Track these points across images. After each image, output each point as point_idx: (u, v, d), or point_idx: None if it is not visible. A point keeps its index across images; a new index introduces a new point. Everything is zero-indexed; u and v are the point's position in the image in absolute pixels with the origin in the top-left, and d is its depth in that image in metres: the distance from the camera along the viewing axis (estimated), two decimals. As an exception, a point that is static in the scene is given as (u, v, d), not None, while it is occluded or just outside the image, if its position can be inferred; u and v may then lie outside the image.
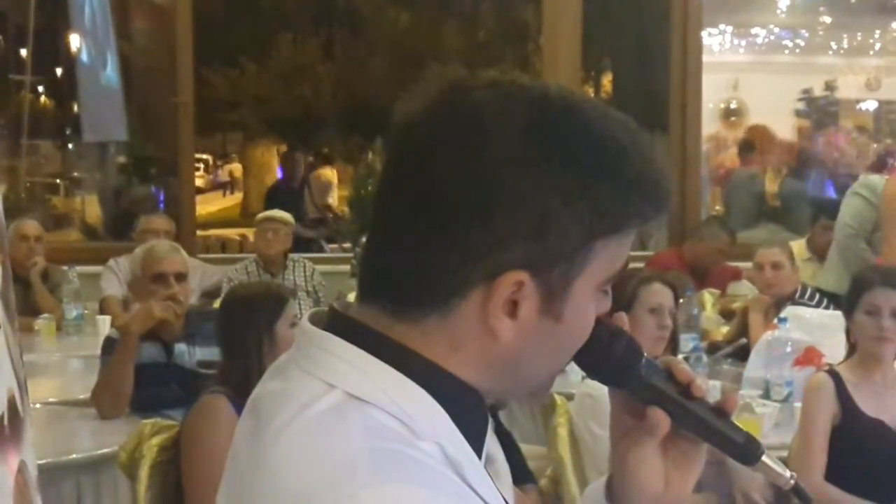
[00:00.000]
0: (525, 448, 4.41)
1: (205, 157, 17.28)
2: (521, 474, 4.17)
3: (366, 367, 1.06)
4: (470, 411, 1.09)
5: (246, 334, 3.33)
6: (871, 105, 12.67)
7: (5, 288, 2.26)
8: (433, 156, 1.06)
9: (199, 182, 15.57)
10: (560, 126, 1.06)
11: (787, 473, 1.20)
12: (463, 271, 1.04)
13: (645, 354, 1.18)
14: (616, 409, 1.23)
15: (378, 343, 1.07)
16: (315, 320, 1.12)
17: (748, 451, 1.19)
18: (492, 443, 1.18)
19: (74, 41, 9.16)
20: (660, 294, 3.90)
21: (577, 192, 1.04)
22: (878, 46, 12.61)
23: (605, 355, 1.15)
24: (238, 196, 16.71)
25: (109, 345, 4.36)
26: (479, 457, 1.11)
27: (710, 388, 4.51)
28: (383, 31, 11.99)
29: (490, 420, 1.16)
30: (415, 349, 1.07)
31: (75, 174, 12.07)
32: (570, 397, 4.07)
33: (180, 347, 4.37)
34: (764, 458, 1.19)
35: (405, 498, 0.96)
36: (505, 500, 1.14)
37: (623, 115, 1.11)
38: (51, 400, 4.68)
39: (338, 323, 1.10)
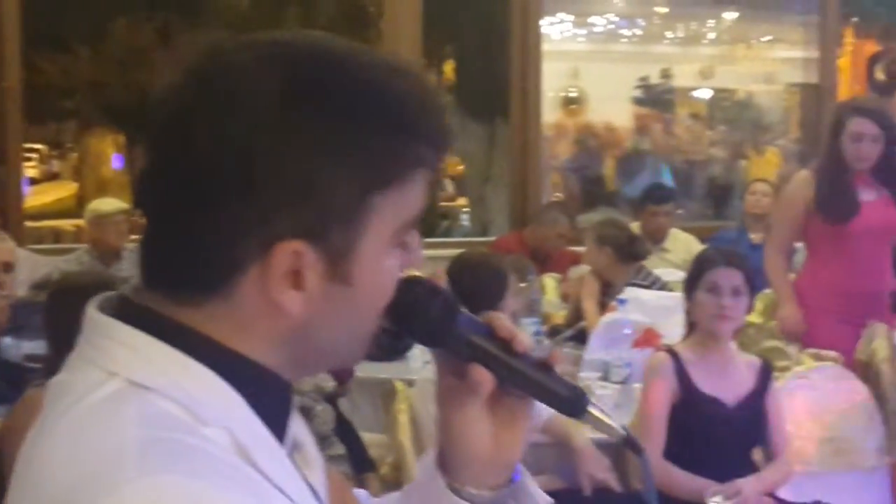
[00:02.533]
0: (366, 436, 4.38)
1: (38, 147, 16.73)
2: (362, 463, 4.14)
3: (150, 353, 0.99)
4: (267, 394, 1.04)
5: (73, 325, 3.20)
6: (705, 93, 12.96)
7: None
8: (187, 129, 0.99)
9: (32, 173, 15.11)
10: (321, 81, 1.00)
11: (617, 425, 1.18)
12: (234, 248, 0.99)
13: (464, 310, 1.14)
14: (440, 370, 1.18)
15: (164, 327, 1.00)
16: (104, 306, 1.05)
17: (574, 403, 1.16)
18: (299, 428, 1.13)
19: None
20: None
21: (341, 149, 0.99)
22: (712, 36, 12.90)
23: (421, 313, 1.11)
24: (73, 186, 16.26)
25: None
26: (283, 440, 1.06)
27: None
28: (222, 16, 11.78)
29: (293, 403, 1.11)
30: (202, 332, 1.01)
31: None
32: (410, 383, 4.05)
33: (6, 341, 4.24)
34: (591, 409, 1.16)
35: (172, 490, 0.90)
36: (311, 486, 1.09)
37: (399, 58, 1.06)
38: None
39: (124, 309, 1.03)
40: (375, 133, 1.00)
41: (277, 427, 1.04)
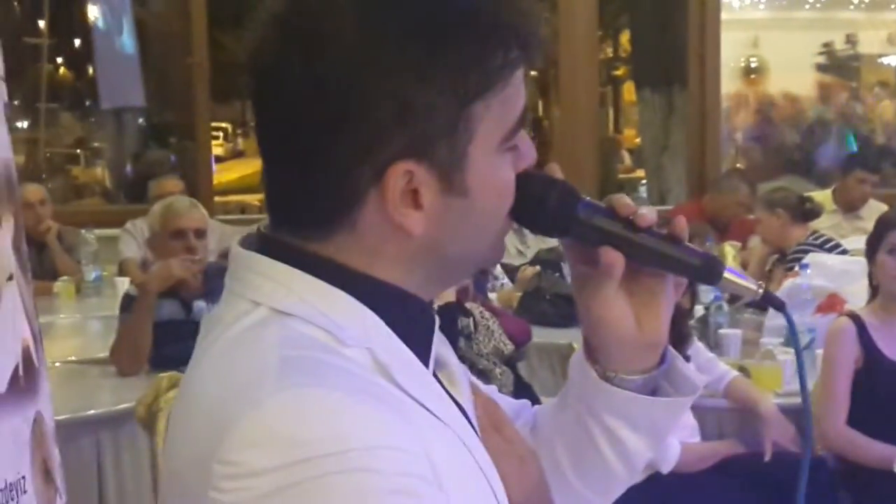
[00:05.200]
0: (545, 401, 4.40)
1: (224, 125, 17.22)
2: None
3: (291, 282, 1.04)
4: (406, 315, 1.08)
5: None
6: (893, 60, 12.51)
7: (17, 239, 2.24)
8: (280, 76, 1.03)
9: (218, 150, 15.58)
10: (396, 4, 1.02)
11: (755, 284, 1.17)
12: (348, 180, 1.02)
13: (584, 197, 1.14)
14: (571, 261, 1.19)
15: (301, 258, 1.05)
16: (246, 244, 1.10)
17: (708, 271, 1.15)
18: (443, 348, 1.17)
19: (90, 9, 9.12)
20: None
21: (429, 64, 1.01)
22: (900, 0, 12.45)
23: (541, 206, 1.11)
24: (258, 164, 16.71)
25: (128, 302, 4.37)
26: (427, 360, 1.10)
27: (733, 337, 4.48)
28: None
29: (436, 322, 1.14)
30: (337, 260, 1.05)
31: (95, 144, 12.06)
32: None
33: (199, 304, 4.36)
34: (726, 274, 1.15)
35: (310, 401, 0.94)
36: (457, 403, 1.13)
37: None
38: (71, 359, 4.69)
39: (263, 244, 1.08)
40: (460, 46, 1.02)
41: (420, 347, 1.08)
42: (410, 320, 1.08)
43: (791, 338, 1.19)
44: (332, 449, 0.91)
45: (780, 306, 1.23)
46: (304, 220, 1.06)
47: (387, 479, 0.92)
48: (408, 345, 1.06)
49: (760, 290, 1.16)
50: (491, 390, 1.34)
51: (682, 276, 1.17)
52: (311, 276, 1.04)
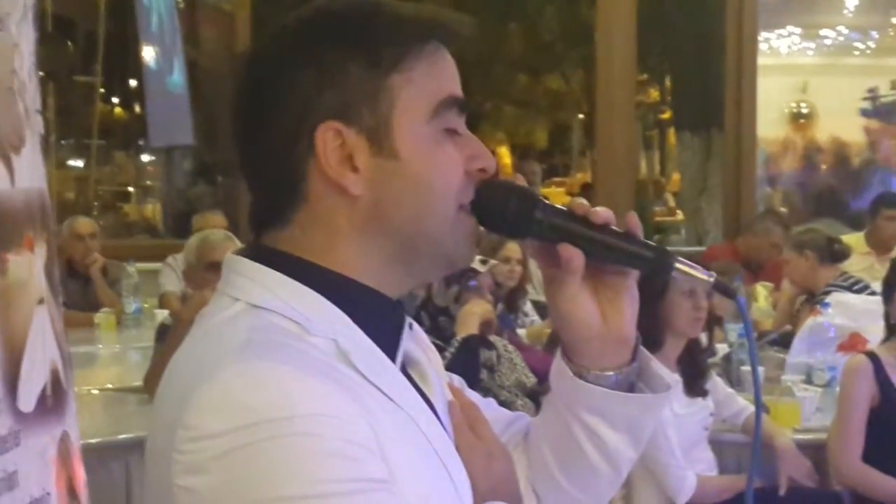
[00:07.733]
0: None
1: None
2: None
3: (266, 281, 1.16)
4: (373, 311, 1.18)
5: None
6: (942, 106, 12.43)
7: (50, 265, 2.35)
8: (238, 98, 1.21)
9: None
10: (325, 14, 1.19)
11: (706, 274, 1.23)
12: (289, 157, 1.16)
13: (543, 199, 1.23)
14: (539, 263, 1.28)
15: (278, 259, 1.18)
16: (236, 251, 1.23)
17: (661, 263, 1.22)
18: (414, 346, 1.27)
19: (145, 50, 9.30)
20: (694, 276, 3.92)
21: (343, 41, 1.16)
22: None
23: (502, 210, 1.21)
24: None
25: (163, 331, 4.48)
26: (395, 355, 1.19)
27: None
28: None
29: (404, 322, 1.23)
30: (307, 259, 1.17)
31: (147, 182, 12.28)
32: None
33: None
34: (678, 265, 1.22)
35: (263, 372, 1.04)
36: (426, 398, 1.22)
37: None
38: (108, 386, 4.82)
39: (248, 249, 1.22)
40: (371, 27, 1.17)
41: (387, 342, 1.19)
42: (376, 315, 1.19)
43: (743, 325, 1.25)
44: (278, 414, 1.02)
45: (731, 295, 1.30)
46: (269, 212, 1.19)
47: (328, 443, 1.02)
48: (374, 339, 1.16)
49: (711, 279, 1.23)
50: (487, 402, 1.42)
51: (637, 268, 1.24)
52: (283, 276, 1.16)
